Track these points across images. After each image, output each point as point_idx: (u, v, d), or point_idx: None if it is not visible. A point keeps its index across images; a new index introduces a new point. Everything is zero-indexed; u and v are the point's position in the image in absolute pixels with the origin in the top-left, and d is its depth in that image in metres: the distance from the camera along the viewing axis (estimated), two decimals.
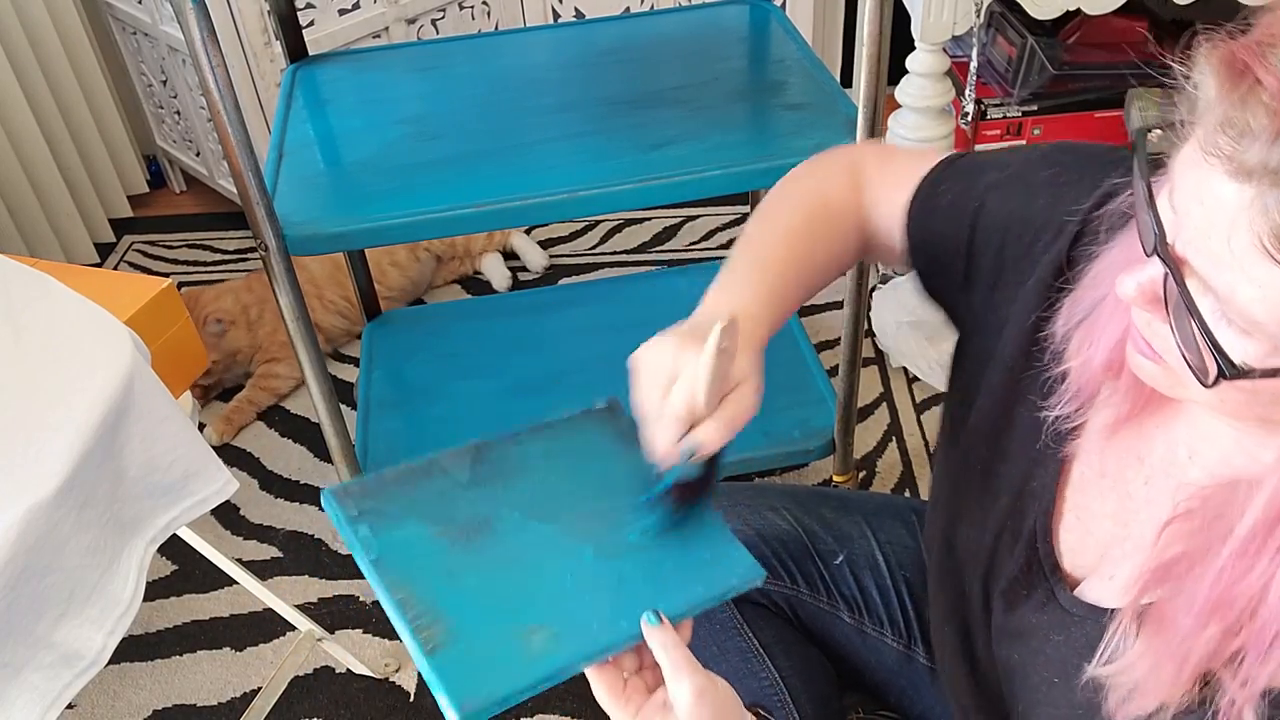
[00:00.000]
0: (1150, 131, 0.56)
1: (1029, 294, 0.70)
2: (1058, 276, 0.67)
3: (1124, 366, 0.62)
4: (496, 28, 2.28)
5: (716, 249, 2.20)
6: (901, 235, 0.79)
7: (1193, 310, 0.51)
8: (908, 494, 1.65)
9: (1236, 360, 0.51)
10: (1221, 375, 0.51)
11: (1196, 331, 0.51)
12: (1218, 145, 0.48)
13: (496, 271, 2.13)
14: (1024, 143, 0.60)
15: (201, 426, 1.82)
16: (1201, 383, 0.52)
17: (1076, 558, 0.69)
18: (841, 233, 0.81)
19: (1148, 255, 0.53)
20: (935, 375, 1.82)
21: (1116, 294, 0.56)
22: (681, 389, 0.65)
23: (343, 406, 1.33)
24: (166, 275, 1.84)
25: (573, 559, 0.69)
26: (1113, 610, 0.64)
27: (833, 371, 1.59)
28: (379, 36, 2.09)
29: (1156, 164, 0.55)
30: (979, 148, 1.80)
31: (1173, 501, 0.61)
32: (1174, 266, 0.51)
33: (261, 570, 1.60)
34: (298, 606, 1.34)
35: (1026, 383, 0.70)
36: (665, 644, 0.65)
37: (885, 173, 0.82)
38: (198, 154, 2.32)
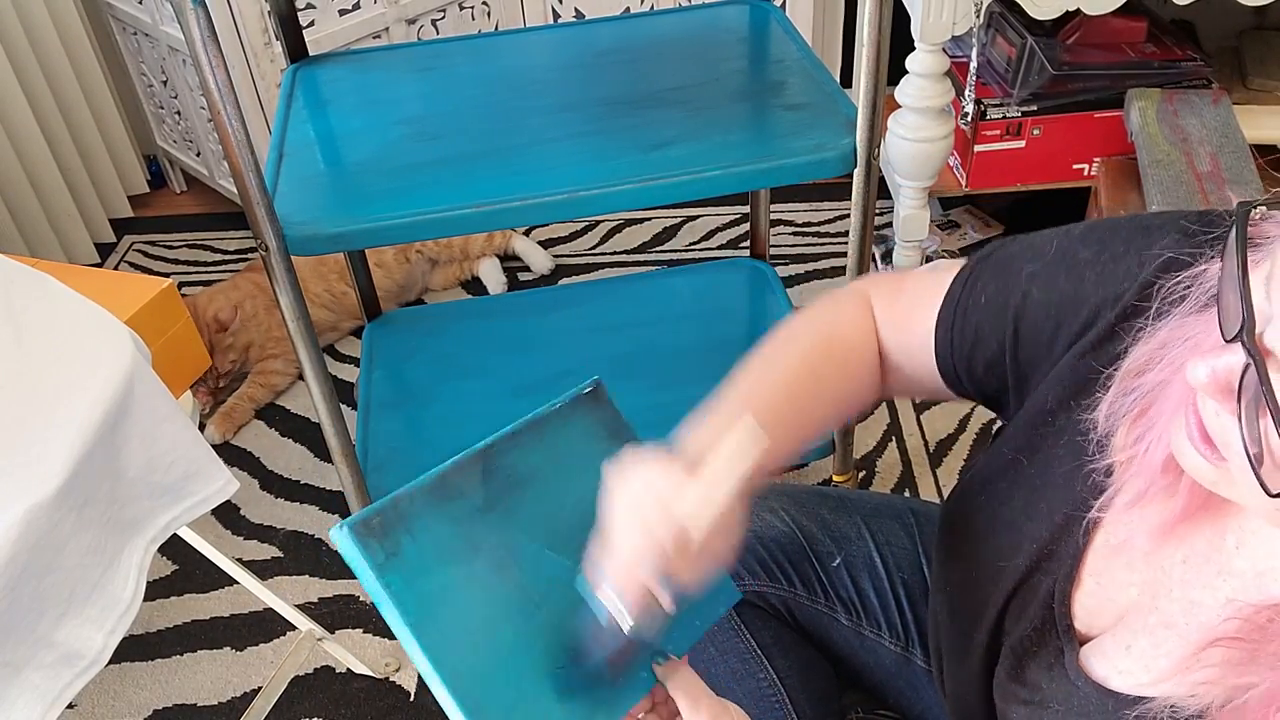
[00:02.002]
0: (1255, 209, 0.52)
1: (1074, 358, 0.66)
2: (1104, 345, 0.64)
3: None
4: (496, 28, 2.28)
5: (716, 249, 2.20)
6: (933, 348, 0.75)
7: (1273, 409, 0.47)
8: (907, 494, 1.65)
9: None
10: None
11: (1269, 432, 0.47)
12: None
13: (492, 277, 2.12)
14: (1059, 228, 0.61)
15: (201, 426, 1.83)
16: (1265, 490, 0.48)
17: (1091, 618, 0.67)
18: (854, 368, 0.77)
19: (1227, 341, 0.49)
20: None
21: (1187, 379, 0.51)
22: (673, 519, 0.60)
23: (343, 406, 1.33)
24: (167, 275, 1.84)
25: (592, 601, 0.67)
26: (1118, 697, 0.62)
27: None
28: (379, 37, 2.09)
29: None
30: (979, 148, 1.80)
31: (1212, 589, 0.59)
32: (1259, 359, 0.47)
33: (262, 570, 1.60)
34: (298, 606, 1.34)
35: (1063, 447, 0.67)
36: (678, 679, 0.66)
37: (903, 294, 0.78)
38: (198, 154, 2.32)
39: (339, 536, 0.61)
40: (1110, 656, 0.64)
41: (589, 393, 0.76)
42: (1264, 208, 0.52)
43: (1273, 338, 0.48)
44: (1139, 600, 0.64)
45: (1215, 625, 0.57)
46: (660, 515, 0.61)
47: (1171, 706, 0.58)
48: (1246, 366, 0.48)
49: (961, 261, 0.75)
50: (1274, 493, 0.48)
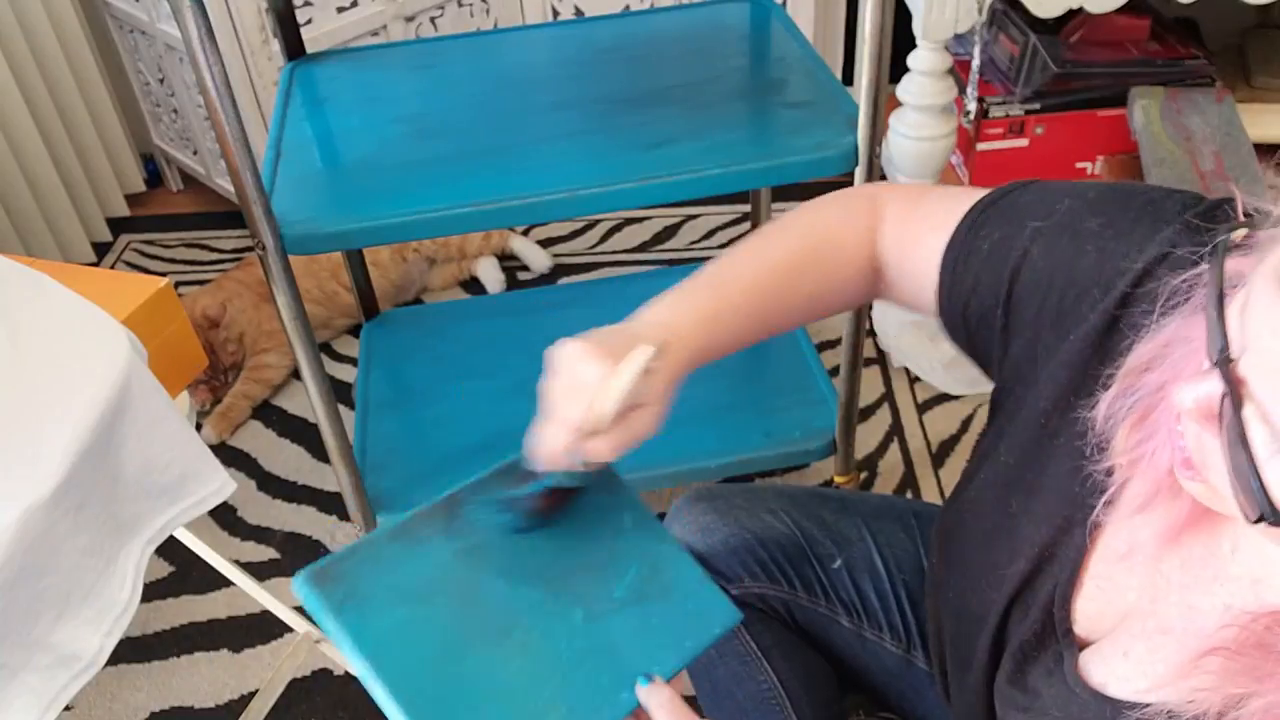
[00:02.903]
0: (1236, 231, 0.53)
1: (1070, 353, 0.65)
2: (1102, 340, 0.64)
3: None
4: (495, 25, 2.27)
5: (717, 248, 2.20)
6: (935, 281, 0.74)
7: (1243, 439, 0.47)
8: (909, 495, 1.65)
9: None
10: (1263, 517, 0.47)
11: (1245, 462, 0.48)
12: None
13: (491, 276, 2.11)
14: (1080, 180, 0.61)
15: (199, 426, 1.82)
16: (1246, 517, 0.48)
17: (1093, 623, 0.67)
18: (841, 268, 0.78)
19: (1208, 366, 0.50)
20: (937, 375, 1.81)
21: (1173, 403, 0.52)
22: (587, 401, 0.66)
23: (341, 407, 1.32)
24: (164, 274, 1.82)
25: (565, 625, 0.67)
26: (1115, 703, 0.62)
27: (834, 371, 1.58)
28: (377, 34, 2.08)
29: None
30: (981, 146, 1.80)
31: (1210, 595, 0.59)
32: (1233, 387, 0.48)
33: (259, 571, 1.59)
34: (295, 608, 1.33)
35: (1061, 447, 0.67)
36: (662, 703, 0.65)
37: (917, 213, 0.78)
38: (195, 153, 2.32)
39: (298, 584, 0.64)
40: (1108, 662, 0.64)
41: None
42: (1244, 230, 0.53)
43: (1246, 367, 0.48)
44: (1137, 605, 0.64)
45: (1212, 632, 0.57)
46: (577, 401, 0.68)
47: (1169, 713, 0.57)
48: (1224, 394, 0.48)
49: (980, 192, 0.75)
50: (1252, 520, 0.48)
